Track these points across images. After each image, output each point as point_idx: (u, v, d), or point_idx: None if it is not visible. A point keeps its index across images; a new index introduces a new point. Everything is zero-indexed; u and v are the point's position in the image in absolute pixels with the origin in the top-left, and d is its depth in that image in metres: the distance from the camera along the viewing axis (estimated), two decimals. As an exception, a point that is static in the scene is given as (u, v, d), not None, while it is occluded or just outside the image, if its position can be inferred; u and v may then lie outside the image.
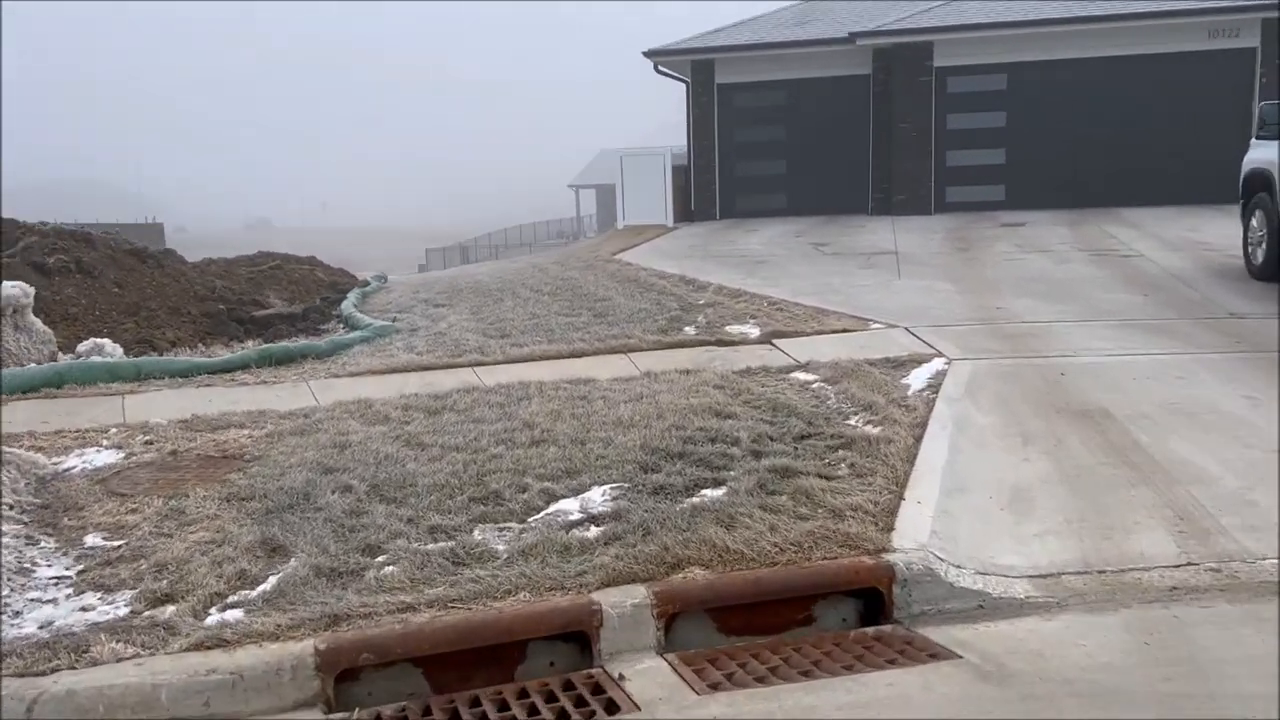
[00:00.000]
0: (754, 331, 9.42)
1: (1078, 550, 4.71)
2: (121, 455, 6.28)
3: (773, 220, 19.88)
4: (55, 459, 6.19)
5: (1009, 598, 4.33)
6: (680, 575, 4.25)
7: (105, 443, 6.56)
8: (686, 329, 9.69)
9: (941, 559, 4.45)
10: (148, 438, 6.62)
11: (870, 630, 4.22)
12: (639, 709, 3.49)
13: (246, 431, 6.70)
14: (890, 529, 4.67)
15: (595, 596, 4.05)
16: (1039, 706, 3.41)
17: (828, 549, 4.47)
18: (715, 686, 3.67)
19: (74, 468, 6.04)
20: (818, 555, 4.41)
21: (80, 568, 4.52)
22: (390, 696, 3.80)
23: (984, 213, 19.00)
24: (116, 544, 4.77)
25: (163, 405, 7.46)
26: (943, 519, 4.86)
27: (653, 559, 4.34)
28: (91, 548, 4.75)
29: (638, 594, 4.09)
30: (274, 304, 12.38)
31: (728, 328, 9.65)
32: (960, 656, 3.82)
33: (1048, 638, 3.97)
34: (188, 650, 3.68)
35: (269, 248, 16.89)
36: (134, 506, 5.29)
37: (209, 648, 3.71)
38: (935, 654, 3.89)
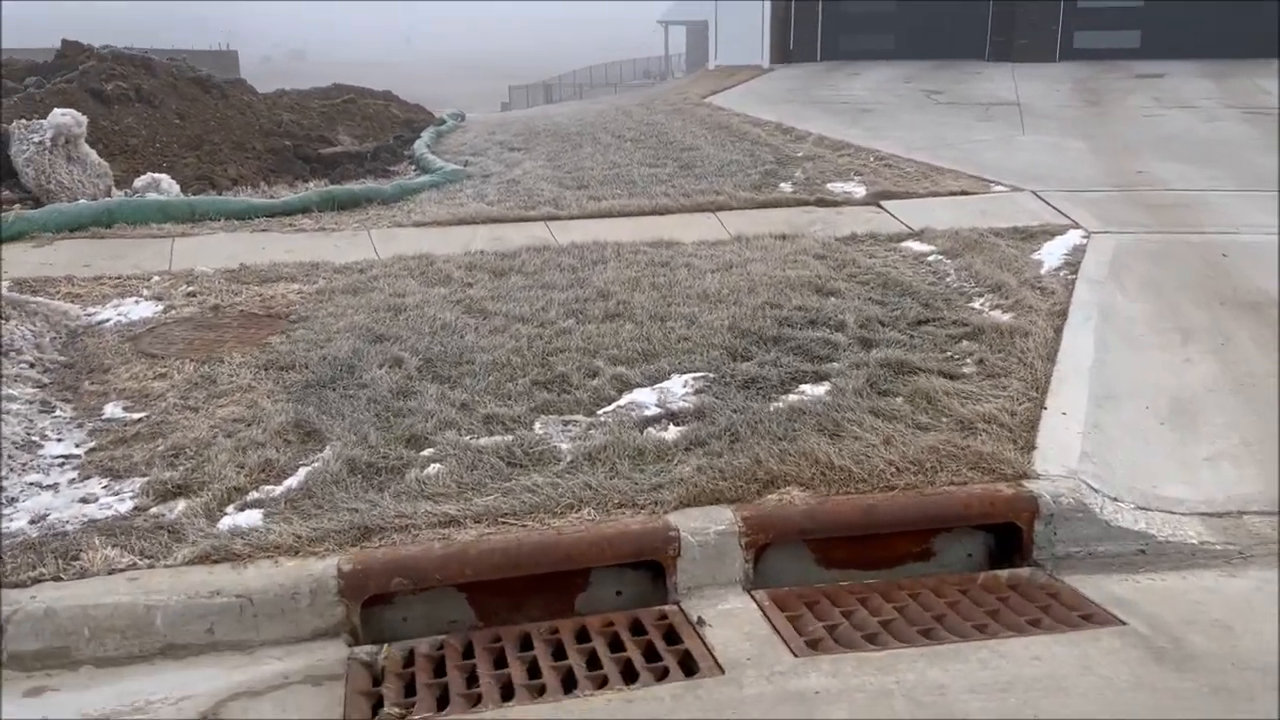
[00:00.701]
0: (859, 191, 8.41)
1: (1260, 482, 3.86)
2: (160, 308, 5.73)
3: (879, 64, 18.19)
4: (90, 309, 5.67)
5: (1178, 541, 3.53)
6: (775, 497, 3.53)
7: (146, 292, 6.01)
8: (783, 185, 8.71)
9: (1095, 489, 3.65)
10: (191, 289, 6.06)
11: (1003, 574, 3.49)
12: (721, 670, 2.84)
13: (296, 286, 6.09)
14: (1031, 448, 3.87)
15: (672, 520, 3.37)
16: (1240, 707, 2.66)
17: (954, 470, 3.70)
18: (815, 644, 3.00)
19: (108, 321, 5.51)
20: (942, 478, 3.65)
21: (91, 444, 3.99)
22: (428, 625, 3.23)
23: (1116, 62, 17.07)
24: (136, 417, 4.23)
25: (213, 250, 6.87)
26: (1094, 436, 4.03)
27: (742, 474, 3.63)
28: (109, 420, 4.22)
29: (723, 518, 3.40)
30: (343, 141, 11.66)
31: (829, 185, 8.65)
32: (1123, 622, 3.08)
33: (1234, 603, 3.19)
34: (191, 563, 3.13)
35: (344, 81, 16.04)
36: (163, 370, 4.74)
37: (216, 561, 3.15)
38: (1089, 615, 3.15)
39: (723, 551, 3.36)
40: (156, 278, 6.27)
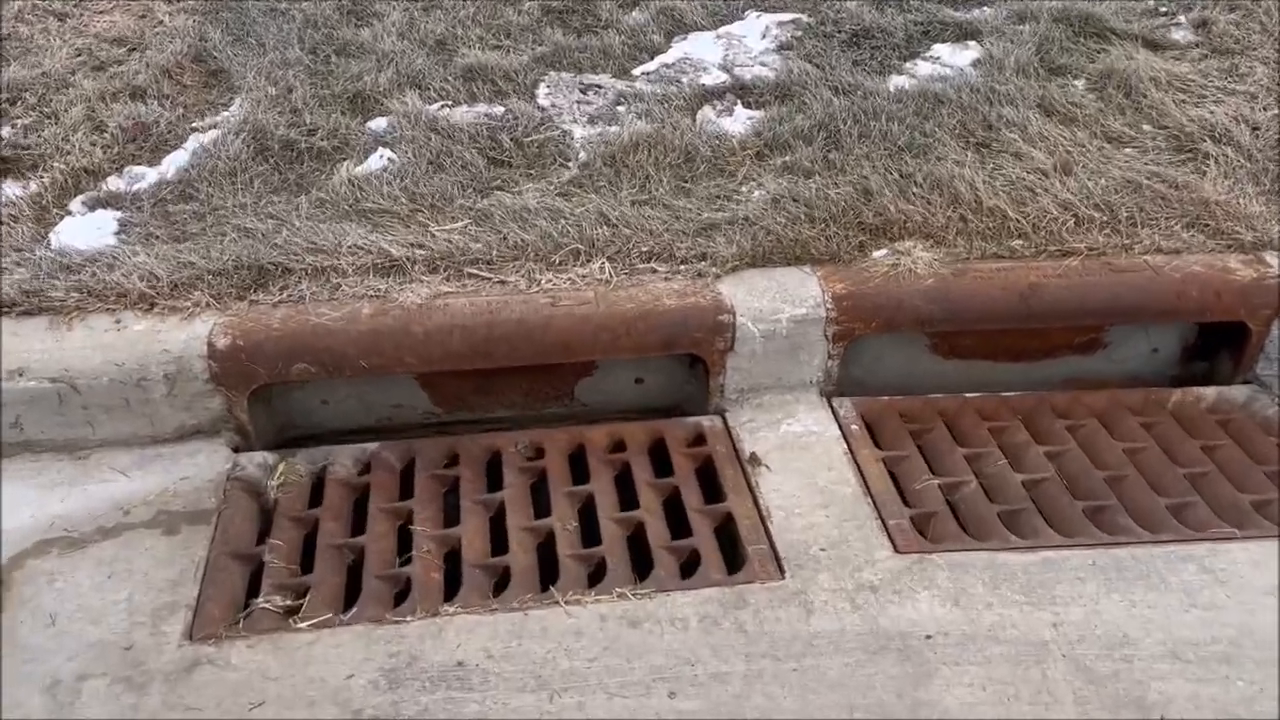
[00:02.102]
0: None
1: None
2: None
3: None
4: None
5: None
6: (886, 257, 2.31)
7: None
8: None
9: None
10: None
11: (1208, 394, 2.35)
12: (781, 572, 1.84)
13: None
14: (1280, 194, 2.54)
15: (726, 292, 2.19)
16: None
17: (1161, 226, 2.42)
18: (926, 527, 1.97)
19: None
20: (1144, 238, 2.38)
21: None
22: (362, 409, 2.22)
23: None
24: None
25: None
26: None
27: (840, 213, 2.38)
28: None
29: (805, 295, 2.22)
30: None
31: None
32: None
33: None
34: (-11, 315, 2.05)
35: None
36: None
37: (26, 313, 2.07)
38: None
39: (798, 345, 2.22)
40: None
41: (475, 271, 2.21)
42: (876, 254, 2.33)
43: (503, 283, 2.20)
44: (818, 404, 2.25)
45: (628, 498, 2.03)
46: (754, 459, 2.09)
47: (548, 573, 1.87)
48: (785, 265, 2.29)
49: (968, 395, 2.31)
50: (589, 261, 2.25)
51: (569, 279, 2.21)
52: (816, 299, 2.20)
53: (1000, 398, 2.32)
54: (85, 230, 2.27)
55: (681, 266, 2.26)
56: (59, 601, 1.74)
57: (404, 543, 1.93)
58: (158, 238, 2.27)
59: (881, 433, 2.22)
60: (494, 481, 2.07)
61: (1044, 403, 2.31)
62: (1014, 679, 1.66)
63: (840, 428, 2.19)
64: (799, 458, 2.10)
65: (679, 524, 1.98)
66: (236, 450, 2.10)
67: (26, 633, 1.68)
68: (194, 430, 2.08)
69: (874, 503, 1.99)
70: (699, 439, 2.18)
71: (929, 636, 1.72)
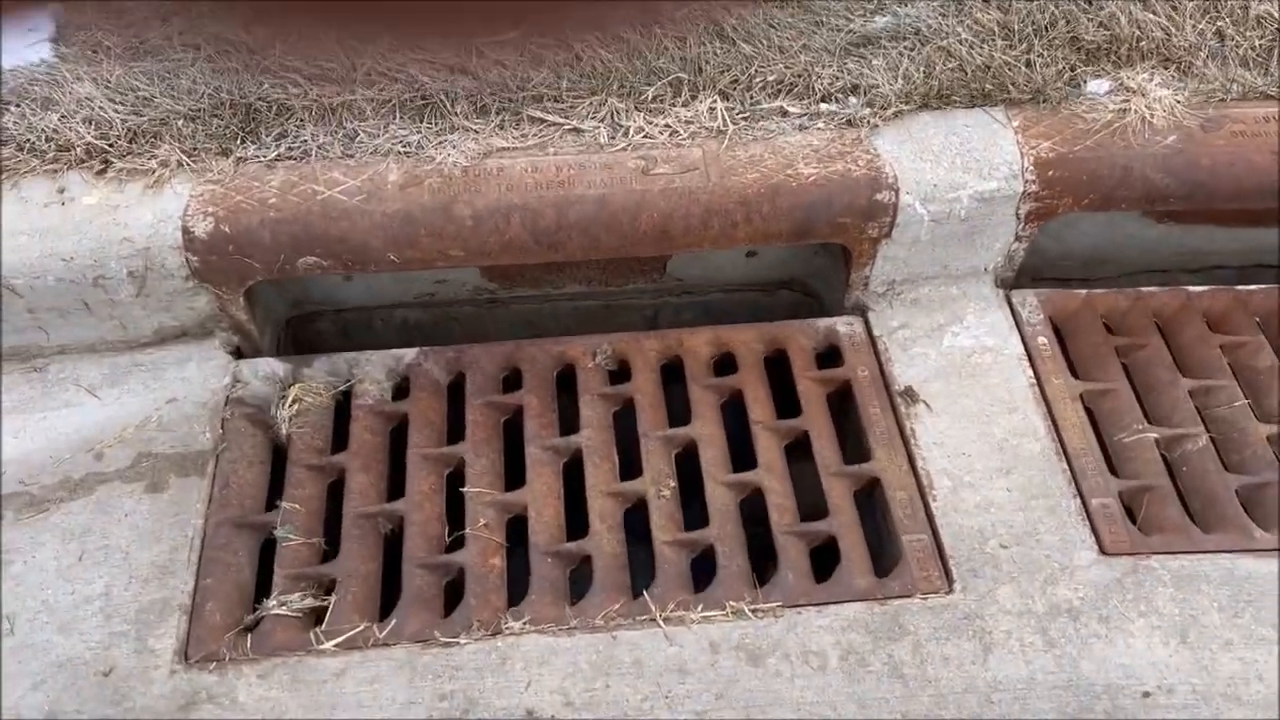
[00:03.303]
0: None
1: None
2: None
3: None
4: None
5: None
6: (1110, 95, 1.66)
7: None
8: None
9: None
10: None
11: None
12: (949, 582, 1.39)
13: None
14: None
15: (885, 153, 1.57)
16: None
17: None
18: (1137, 514, 1.48)
19: None
20: None
21: None
22: (392, 291, 1.73)
23: None
24: None
25: None
26: None
27: (1045, 22, 1.69)
28: None
29: (999, 158, 1.60)
30: None
31: None
32: None
33: None
34: (-110, 179, 1.52)
35: None
36: None
37: (-59, 178, 1.53)
38: None
39: (978, 229, 1.63)
40: None
41: (538, 114, 1.60)
42: (1093, 87, 1.66)
43: (576, 131, 1.60)
44: (993, 300, 1.70)
45: (738, 442, 1.56)
46: (909, 394, 1.57)
47: (636, 559, 1.44)
48: (968, 106, 1.65)
49: (1191, 290, 1.73)
50: (694, 99, 1.63)
51: (666, 125, 1.60)
52: (1012, 166, 1.58)
53: (1234, 294, 1.73)
54: (12, 37, 1.67)
55: (822, 107, 1.63)
56: (18, 596, 1.35)
57: (453, 502, 1.49)
58: (107, 48, 1.66)
59: (1078, 348, 1.67)
60: (565, 409, 1.59)
61: (1292, 303, 1.73)
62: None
63: (1024, 340, 1.65)
64: (969, 390, 1.59)
65: (805, 487, 1.51)
66: (237, 354, 1.63)
67: (-21, 644, 1.31)
68: (178, 333, 1.60)
69: (1070, 468, 1.49)
70: (832, 353, 1.66)
71: (1147, 694, 1.29)
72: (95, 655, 1.30)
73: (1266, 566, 1.41)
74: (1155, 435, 1.55)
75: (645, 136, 1.59)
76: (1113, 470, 1.51)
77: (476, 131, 1.58)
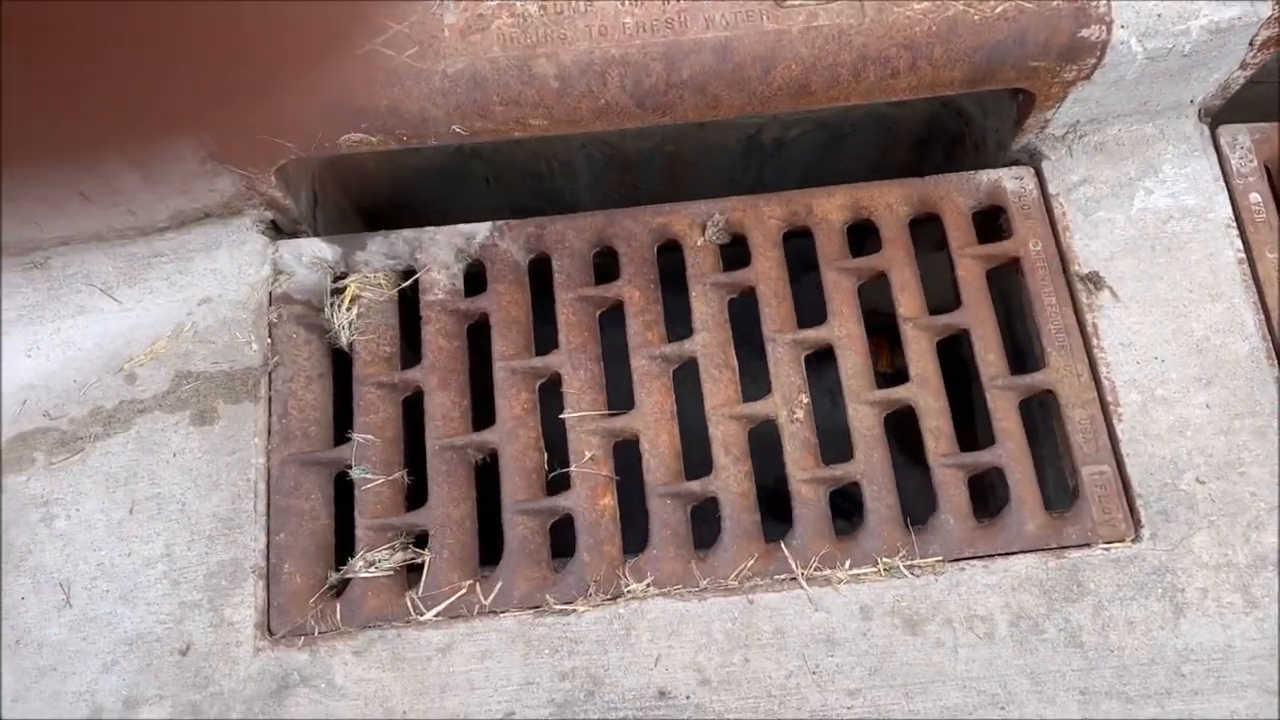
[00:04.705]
0: None
1: None
2: None
3: None
4: None
5: None
6: None
7: None
8: None
9: None
10: None
11: None
12: (1137, 529, 1.20)
13: None
14: None
15: (1103, -30, 1.19)
16: None
17: None
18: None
19: None
20: None
21: None
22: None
23: None
24: None
25: None
26: None
27: None
28: None
29: (1244, -35, 1.20)
30: None
31: None
32: None
33: None
34: None
35: None
36: None
37: None
38: None
39: (1199, 63, 1.27)
40: None
41: (633, -83, 1.20)
42: None
43: (686, -55, 1.20)
44: (1196, 141, 1.36)
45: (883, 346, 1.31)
46: (1093, 280, 1.29)
47: (767, 501, 1.25)
48: (1206, -110, 1.22)
49: None
50: (841, -112, 1.20)
51: (804, -68, 1.20)
52: (1263, -20, 1.19)
53: None
54: None
55: (1011, -107, 1.21)
56: (70, 560, 1.19)
57: (550, 427, 1.28)
58: None
59: (1299, 209, 1.36)
60: (671, 299, 1.33)
61: None
62: None
63: (1232, 198, 1.34)
64: (1164, 270, 1.30)
65: (962, 399, 1.28)
66: (274, 230, 1.35)
67: (32, 618, 1.16)
68: (200, 215, 1.31)
69: (1284, 377, 1.25)
70: (996, 218, 1.36)
71: (1366, 668, 1.14)
72: (168, 631, 1.16)
73: None
74: (1388, 329, 1.28)
75: (776, -54, 1.19)
76: (1334, 377, 1.27)
77: (552, -56, 1.18)
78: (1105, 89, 1.27)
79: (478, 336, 1.32)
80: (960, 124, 1.56)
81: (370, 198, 1.72)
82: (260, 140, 1.16)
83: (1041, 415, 1.35)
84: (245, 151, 1.18)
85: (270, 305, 1.30)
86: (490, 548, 1.23)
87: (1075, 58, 1.20)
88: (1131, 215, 1.33)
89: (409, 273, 1.33)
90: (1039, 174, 1.36)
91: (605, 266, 1.35)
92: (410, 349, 1.33)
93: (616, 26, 1.16)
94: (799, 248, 1.40)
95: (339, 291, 1.30)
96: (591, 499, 1.22)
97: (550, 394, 1.30)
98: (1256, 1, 1.19)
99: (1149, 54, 1.21)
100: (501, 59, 1.15)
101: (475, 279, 1.35)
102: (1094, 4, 1.17)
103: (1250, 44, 1.25)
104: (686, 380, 1.30)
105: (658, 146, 1.66)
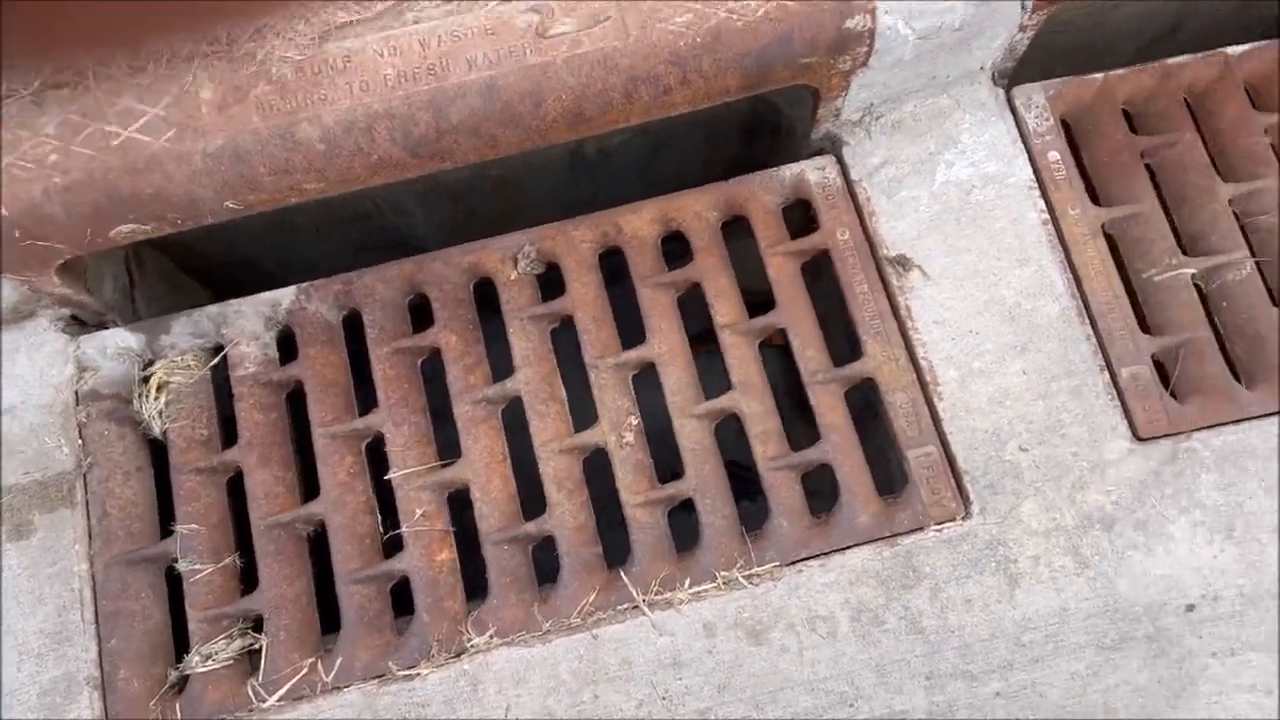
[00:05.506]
0: None
1: None
2: None
3: None
4: None
5: None
6: None
7: None
8: None
9: None
10: None
11: None
12: (966, 506, 1.22)
13: None
14: None
15: (858, -42, 1.18)
16: None
17: None
18: (1170, 382, 1.28)
19: None
20: None
21: None
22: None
23: None
24: None
25: None
26: None
27: None
28: None
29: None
30: None
31: None
32: None
33: None
34: None
35: None
36: None
37: None
38: None
39: (977, 32, 1.27)
40: None
41: (385, -37, 1.17)
42: None
43: (441, -20, 1.17)
44: (991, 106, 1.37)
45: (701, 354, 1.31)
46: (901, 262, 1.30)
47: (604, 527, 1.24)
48: None
49: (1230, 53, 1.40)
50: (590, -95, 1.18)
51: (558, -50, 1.18)
52: (1019, -51, 1.19)
53: (1281, 51, 1.41)
54: None
55: (762, -111, 1.19)
56: (-106, 700, 1.15)
57: (384, 485, 1.26)
58: None
59: (1096, 156, 1.38)
60: (491, 337, 1.31)
61: (1353, 57, 1.41)
62: (1307, 654, 1.16)
63: (1031, 159, 1.34)
64: (971, 241, 1.31)
65: (788, 400, 1.29)
66: (80, 325, 1.31)
67: None
68: (-11, 322, 1.26)
69: (1095, 332, 1.27)
70: (803, 212, 1.36)
71: (1191, 608, 1.17)
72: (7, 757, 1.13)
73: (1319, 426, 1.23)
74: (1191, 270, 1.30)
75: (531, -27, 1.17)
76: (1143, 325, 1.29)
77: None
78: (886, 72, 1.27)
79: (301, 404, 1.30)
80: (775, 114, 1.55)
81: (201, 260, 1.68)
82: (25, 246, 1.12)
83: (862, 403, 1.36)
84: (14, 258, 1.14)
85: (78, 404, 1.26)
86: (335, 616, 1.21)
87: (845, 49, 1.19)
88: (935, 190, 1.33)
89: (219, 349, 1.30)
90: (840, 161, 1.36)
91: (427, 309, 1.33)
92: (228, 426, 1.30)
93: (378, 80, 1.13)
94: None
95: (147, 380, 1.27)
96: (427, 556, 1.20)
97: (381, 453, 1.28)
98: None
99: (920, 34, 1.21)
100: (263, 129, 1.12)
101: (289, 340, 1.32)
102: (853, -9, 1.16)
103: (1023, 7, 1.26)
104: (522, 417, 1.29)
105: (480, 172, 1.63)
